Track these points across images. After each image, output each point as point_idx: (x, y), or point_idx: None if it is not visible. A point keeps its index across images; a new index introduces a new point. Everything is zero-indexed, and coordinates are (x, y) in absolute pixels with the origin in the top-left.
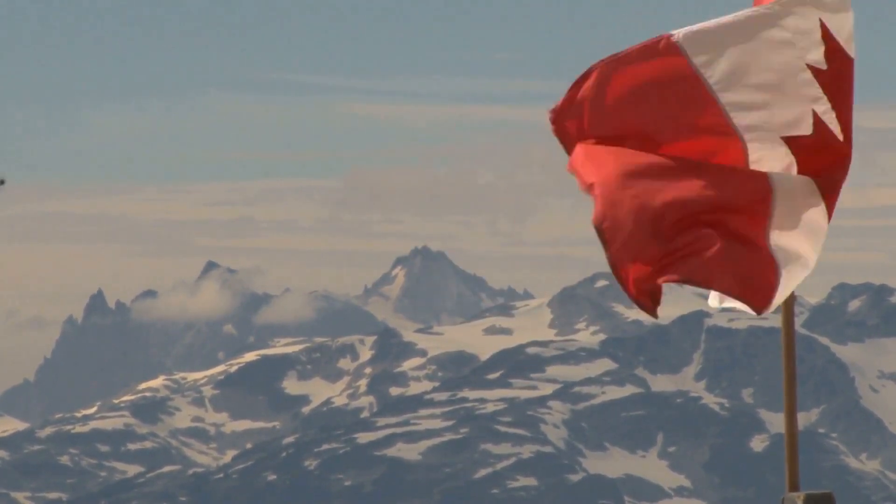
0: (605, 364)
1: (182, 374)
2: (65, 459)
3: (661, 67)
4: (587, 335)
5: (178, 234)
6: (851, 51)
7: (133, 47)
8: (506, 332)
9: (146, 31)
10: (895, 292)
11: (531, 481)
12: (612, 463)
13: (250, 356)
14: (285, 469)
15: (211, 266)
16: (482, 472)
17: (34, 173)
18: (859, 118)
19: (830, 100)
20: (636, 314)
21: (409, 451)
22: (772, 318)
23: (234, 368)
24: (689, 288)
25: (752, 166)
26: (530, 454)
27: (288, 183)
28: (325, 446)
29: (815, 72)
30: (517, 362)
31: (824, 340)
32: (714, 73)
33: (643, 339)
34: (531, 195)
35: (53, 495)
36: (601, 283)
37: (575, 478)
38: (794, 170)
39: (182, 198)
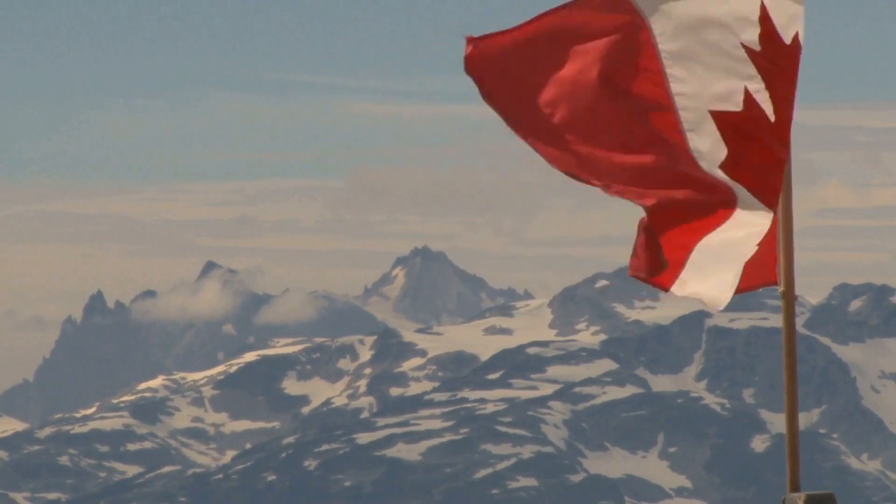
0: (606, 364)
1: (182, 375)
2: (64, 460)
3: (613, 23)
4: (588, 335)
5: (178, 234)
6: (788, 37)
7: (134, 47)
8: (506, 332)
9: (147, 31)
10: None
11: (531, 482)
12: (612, 463)
13: (250, 356)
14: (285, 469)
15: (211, 266)
16: (482, 473)
17: (34, 173)
18: (863, 118)
19: (765, 80)
20: (637, 314)
21: (409, 452)
22: (773, 319)
23: (233, 369)
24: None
25: (686, 135)
26: (531, 454)
27: (289, 183)
28: (325, 446)
29: (749, 51)
30: (517, 362)
31: (825, 340)
32: (663, 40)
33: (644, 340)
34: (532, 195)
35: (53, 496)
36: (601, 283)
37: (575, 478)
38: (723, 152)
39: (183, 198)
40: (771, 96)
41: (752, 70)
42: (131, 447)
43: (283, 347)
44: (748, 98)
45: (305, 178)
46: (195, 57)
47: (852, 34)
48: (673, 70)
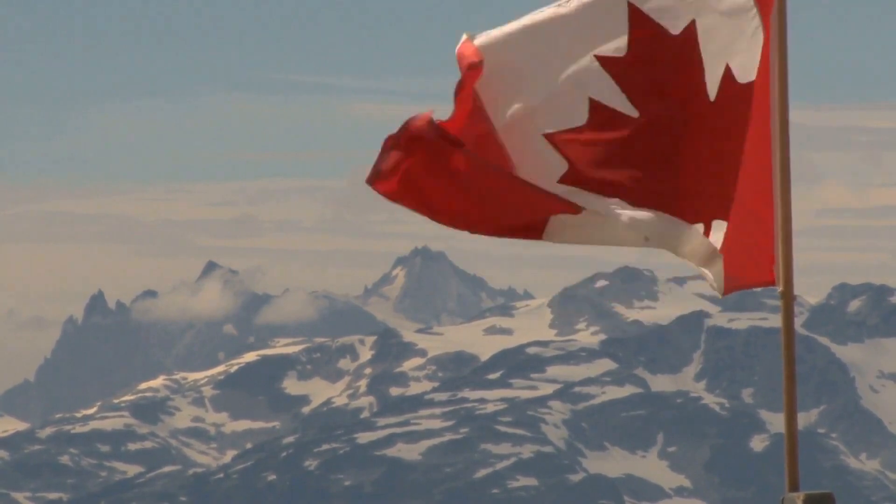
0: (606, 364)
1: (182, 375)
2: (65, 459)
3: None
4: (587, 335)
5: (179, 234)
6: (678, 29)
7: (135, 47)
8: (506, 332)
9: (148, 31)
10: (895, 292)
11: (531, 481)
12: (612, 463)
13: (250, 356)
14: (285, 469)
15: (212, 266)
16: (482, 472)
17: (35, 173)
18: (863, 118)
19: (625, 84)
20: (636, 314)
21: (409, 451)
22: (772, 319)
23: (234, 368)
24: (689, 288)
25: (518, 173)
26: (530, 454)
27: (290, 183)
28: (325, 446)
29: (603, 59)
30: (517, 362)
31: (824, 340)
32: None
33: (643, 339)
34: None
35: (53, 495)
36: (601, 283)
37: (575, 478)
38: (563, 166)
39: (184, 198)
40: (641, 95)
41: (607, 80)
42: (132, 447)
43: (283, 347)
44: (595, 107)
45: (306, 178)
46: (196, 57)
47: (853, 34)
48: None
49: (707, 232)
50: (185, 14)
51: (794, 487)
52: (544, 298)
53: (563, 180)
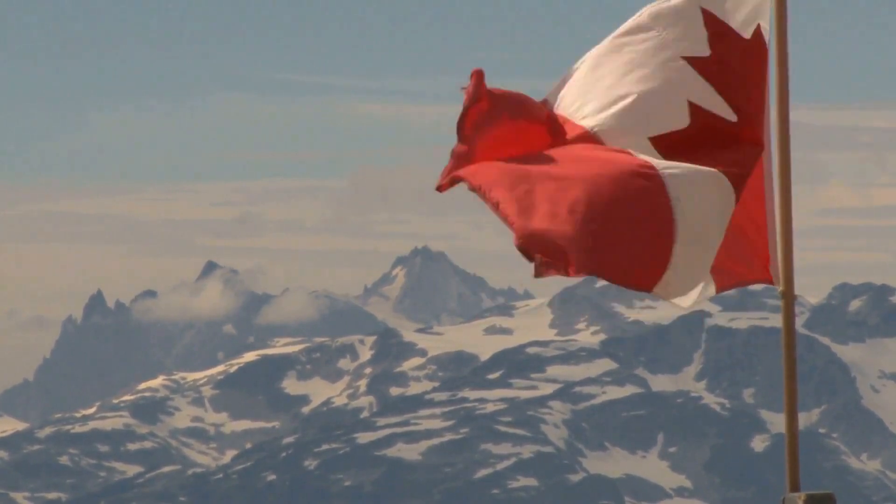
0: (606, 364)
1: (182, 374)
2: (64, 459)
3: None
4: (587, 335)
5: (179, 234)
6: (748, 32)
7: (136, 47)
8: (506, 332)
9: (149, 31)
10: None
11: (531, 481)
12: (612, 463)
13: (250, 356)
14: (285, 469)
15: (212, 266)
16: (482, 472)
17: (36, 173)
18: (867, 118)
19: (717, 84)
20: (636, 314)
21: (409, 451)
22: (772, 319)
23: (233, 368)
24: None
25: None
26: (530, 454)
27: (291, 183)
28: (325, 446)
29: (694, 62)
30: (517, 362)
31: (825, 340)
32: (583, 112)
33: (643, 339)
34: None
35: (53, 495)
36: (601, 283)
37: (575, 478)
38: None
39: (184, 198)
40: (729, 96)
41: (700, 81)
42: (131, 447)
43: (283, 347)
44: (694, 110)
45: (307, 178)
46: (197, 57)
47: (856, 34)
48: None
49: None
50: (186, 14)
51: (795, 488)
52: (544, 298)
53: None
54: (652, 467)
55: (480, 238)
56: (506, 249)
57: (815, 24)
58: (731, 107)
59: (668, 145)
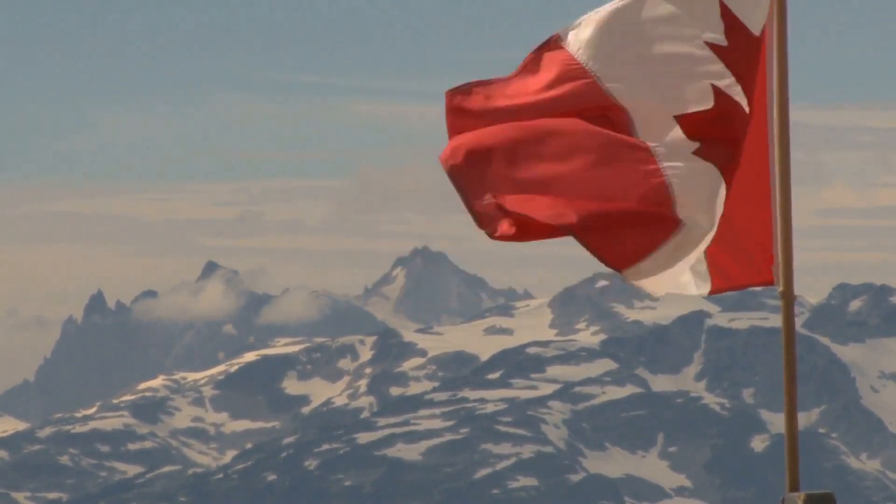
0: (606, 364)
1: (182, 374)
2: (65, 459)
3: (552, 69)
4: (587, 335)
5: (180, 234)
6: (757, 29)
7: (137, 47)
8: (506, 332)
9: (150, 31)
10: None
11: (531, 481)
12: (612, 463)
13: (250, 356)
14: (285, 469)
15: (212, 266)
16: (482, 473)
17: (37, 173)
18: (869, 118)
19: (735, 74)
20: (636, 314)
21: (409, 452)
22: (772, 319)
23: (234, 368)
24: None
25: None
26: (530, 454)
27: (292, 183)
28: (325, 446)
29: (715, 48)
30: (517, 362)
31: (825, 340)
32: (598, 64)
33: (643, 339)
34: None
35: (53, 495)
36: (601, 283)
37: (575, 478)
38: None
39: (185, 198)
40: (743, 89)
41: (720, 66)
42: (132, 447)
43: (283, 347)
44: (718, 93)
45: (308, 178)
46: (199, 57)
47: (856, 34)
48: (626, 103)
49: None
50: (188, 15)
51: (795, 487)
52: (544, 298)
53: (698, 153)
54: (652, 467)
55: (480, 238)
56: (506, 249)
57: (815, 24)
58: (748, 100)
59: (693, 125)
